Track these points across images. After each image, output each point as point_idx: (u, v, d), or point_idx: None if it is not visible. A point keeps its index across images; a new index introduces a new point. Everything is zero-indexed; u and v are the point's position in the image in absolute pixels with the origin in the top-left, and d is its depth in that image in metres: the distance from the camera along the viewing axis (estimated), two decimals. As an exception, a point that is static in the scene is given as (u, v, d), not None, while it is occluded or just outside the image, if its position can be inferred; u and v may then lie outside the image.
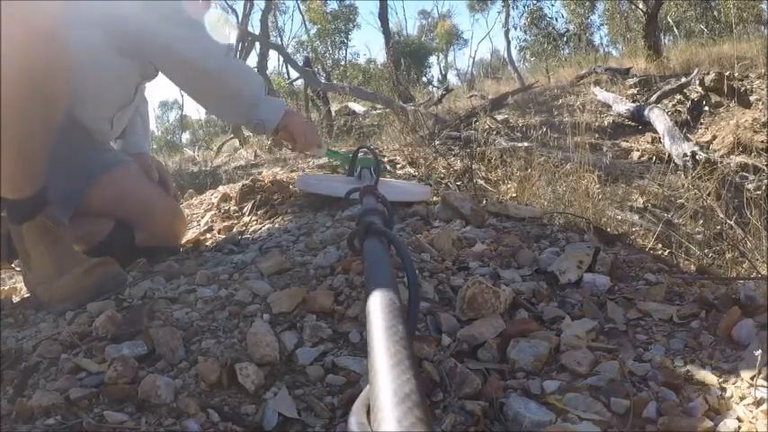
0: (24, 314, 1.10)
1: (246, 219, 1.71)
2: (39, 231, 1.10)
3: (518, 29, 16.37)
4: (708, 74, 5.16)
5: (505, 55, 15.54)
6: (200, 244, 1.57)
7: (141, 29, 1.27)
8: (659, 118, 4.41)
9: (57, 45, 1.00)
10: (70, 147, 1.30)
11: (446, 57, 26.03)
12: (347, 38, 20.07)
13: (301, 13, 18.89)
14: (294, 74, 13.04)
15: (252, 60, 9.90)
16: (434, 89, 11.83)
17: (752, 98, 4.83)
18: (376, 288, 0.64)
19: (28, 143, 1.03)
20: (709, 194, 2.37)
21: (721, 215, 2.21)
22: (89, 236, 1.37)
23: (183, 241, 1.57)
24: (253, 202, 1.79)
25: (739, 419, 0.63)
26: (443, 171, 2.44)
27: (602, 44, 15.87)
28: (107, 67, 1.30)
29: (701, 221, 2.28)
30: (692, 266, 1.54)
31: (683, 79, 5.47)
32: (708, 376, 0.72)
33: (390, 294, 0.61)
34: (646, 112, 4.70)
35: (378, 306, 0.58)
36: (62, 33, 1.01)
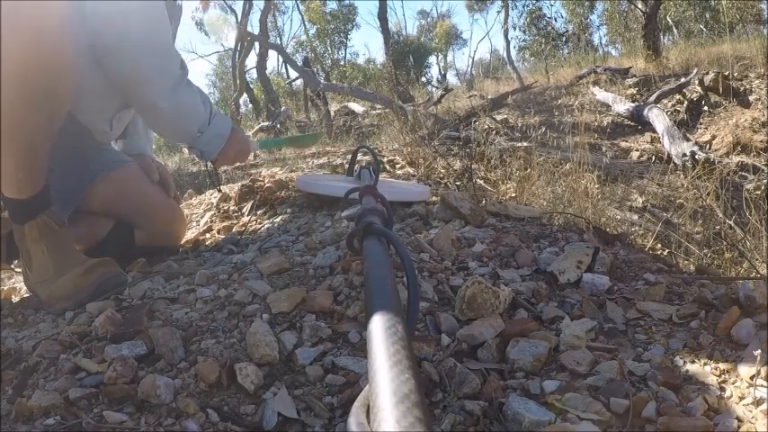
0: (24, 314, 1.10)
1: (246, 219, 1.71)
2: (40, 231, 1.10)
3: (517, 29, 16.36)
4: (707, 74, 5.17)
5: (505, 55, 15.55)
6: (200, 244, 1.57)
7: (105, 40, 1.21)
8: (658, 118, 4.42)
9: (62, 44, 1.00)
10: (71, 146, 1.30)
11: (445, 57, 26.06)
12: (346, 38, 20.08)
13: (300, 14, 18.92)
14: (293, 74, 13.05)
15: (251, 60, 9.90)
16: (434, 89, 11.83)
17: (751, 98, 4.84)
18: (375, 288, 0.64)
19: (31, 143, 1.04)
20: (708, 194, 2.37)
21: (720, 215, 2.21)
22: (89, 235, 1.37)
23: (183, 241, 1.57)
24: (252, 202, 1.79)
25: (739, 419, 0.63)
26: (443, 171, 2.44)
27: (601, 44, 15.92)
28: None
29: (701, 221, 2.28)
30: (692, 266, 1.54)
31: (683, 79, 5.48)
32: (707, 376, 0.72)
33: (390, 294, 0.61)
34: (645, 112, 4.71)
35: (377, 306, 0.58)
36: (68, 32, 1.01)
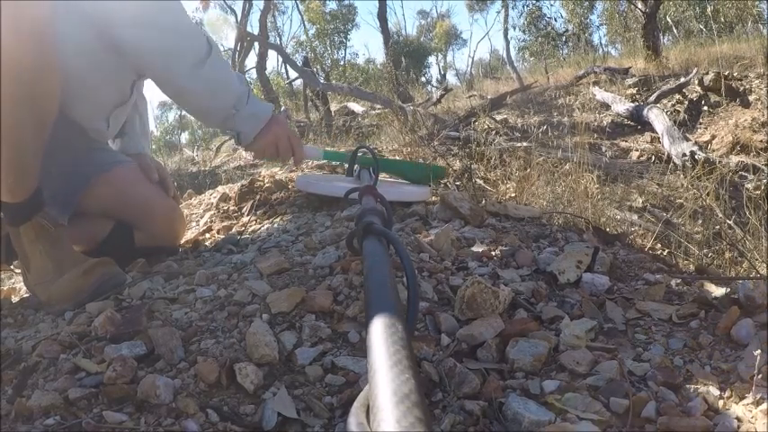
0: (23, 314, 1.10)
1: (245, 219, 1.71)
2: (36, 232, 1.10)
3: (517, 29, 16.34)
4: (707, 73, 5.17)
5: (504, 55, 15.52)
6: (200, 244, 1.57)
7: (119, 32, 1.19)
8: (658, 118, 4.41)
9: (43, 44, 0.98)
10: (68, 147, 1.29)
11: (445, 57, 26.05)
12: (346, 38, 20.06)
13: (300, 14, 18.89)
14: (293, 74, 13.04)
15: (251, 60, 9.90)
16: (433, 89, 11.83)
17: (751, 98, 4.84)
18: (375, 288, 0.63)
19: (18, 147, 1.02)
20: (708, 194, 2.37)
21: (720, 215, 2.21)
22: (89, 236, 1.37)
23: (182, 241, 1.57)
24: (252, 202, 1.79)
25: (738, 419, 0.63)
26: (442, 171, 2.44)
27: (600, 44, 15.89)
28: (100, 64, 1.27)
29: (700, 221, 2.28)
30: (692, 266, 1.54)
31: (682, 79, 5.47)
32: (707, 376, 0.72)
33: (389, 294, 0.61)
34: (645, 112, 4.70)
35: (377, 307, 0.58)
36: (49, 34, 0.99)
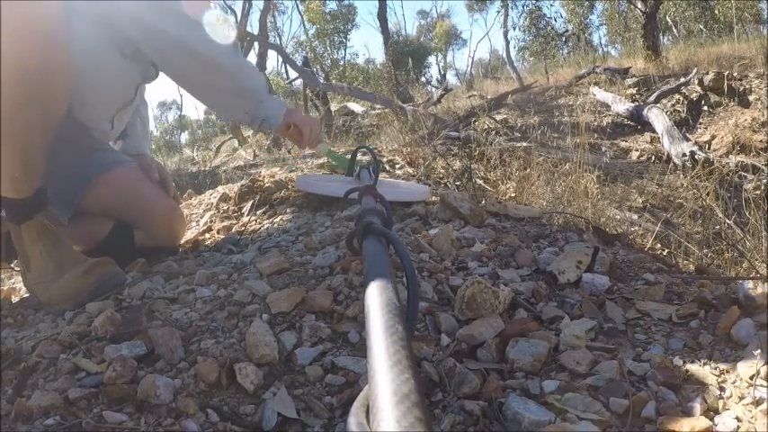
0: (23, 314, 1.10)
1: (245, 219, 1.71)
2: (37, 231, 1.10)
3: (517, 29, 16.31)
4: (707, 73, 5.17)
5: (504, 55, 15.49)
6: (200, 244, 1.57)
7: (152, 29, 1.27)
8: (658, 118, 4.42)
9: (54, 45, 0.99)
10: (70, 147, 1.30)
11: (445, 57, 26.04)
12: (346, 38, 20.05)
13: (300, 14, 18.88)
14: (293, 74, 13.04)
15: (251, 60, 9.91)
16: (433, 89, 11.83)
17: (751, 98, 4.84)
18: (375, 288, 0.63)
19: (26, 144, 1.03)
20: (708, 194, 2.37)
21: (720, 215, 2.21)
22: (89, 236, 1.37)
23: (182, 241, 1.57)
24: (252, 202, 1.79)
25: (738, 419, 0.63)
26: (442, 171, 2.44)
27: (600, 44, 15.89)
28: (107, 66, 1.30)
29: (700, 221, 2.28)
30: (691, 266, 1.54)
31: (682, 79, 5.48)
32: (707, 376, 0.72)
33: (389, 294, 0.61)
34: (645, 112, 4.71)
35: (377, 306, 0.58)
36: (60, 33, 1.00)
